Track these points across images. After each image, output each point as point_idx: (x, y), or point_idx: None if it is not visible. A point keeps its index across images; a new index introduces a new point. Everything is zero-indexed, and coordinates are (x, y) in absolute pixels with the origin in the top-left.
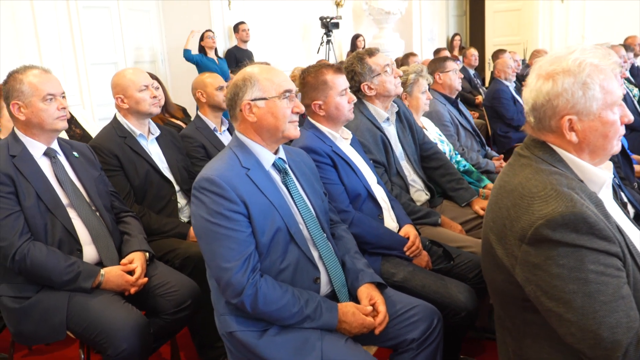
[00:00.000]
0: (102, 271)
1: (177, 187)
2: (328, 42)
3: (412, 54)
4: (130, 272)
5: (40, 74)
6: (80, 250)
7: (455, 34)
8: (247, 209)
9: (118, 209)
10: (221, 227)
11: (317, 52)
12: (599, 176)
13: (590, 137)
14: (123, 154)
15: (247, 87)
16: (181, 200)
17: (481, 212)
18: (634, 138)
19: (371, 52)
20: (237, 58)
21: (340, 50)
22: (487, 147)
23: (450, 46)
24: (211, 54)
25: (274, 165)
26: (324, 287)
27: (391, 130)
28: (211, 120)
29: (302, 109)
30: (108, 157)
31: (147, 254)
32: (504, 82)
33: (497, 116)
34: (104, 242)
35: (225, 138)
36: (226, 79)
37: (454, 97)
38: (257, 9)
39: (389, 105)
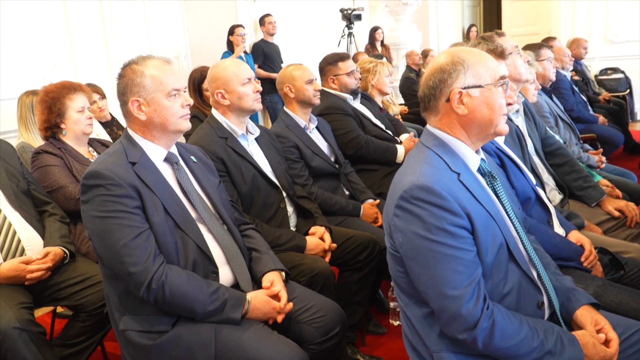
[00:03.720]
0: (248, 297)
1: (284, 193)
2: (349, 34)
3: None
4: (274, 297)
5: (162, 65)
6: (216, 272)
7: (472, 25)
8: (471, 223)
9: (239, 221)
10: (445, 246)
11: (338, 45)
12: None
13: None
14: (228, 157)
15: (459, 72)
16: (289, 208)
17: (615, 213)
18: None
19: (499, 33)
20: (265, 52)
21: (357, 43)
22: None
23: (466, 38)
24: (238, 52)
25: (479, 168)
26: (545, 312)
27: (520, 123)
28: (300, 118)
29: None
30: (214, 161)
31: (283, 273)
32: (561, 71)
33: None
34: (238, 261)
35: (315, 137)
36: None
37: (548, 87)
38: (280, 2)
39: (516, 94)
